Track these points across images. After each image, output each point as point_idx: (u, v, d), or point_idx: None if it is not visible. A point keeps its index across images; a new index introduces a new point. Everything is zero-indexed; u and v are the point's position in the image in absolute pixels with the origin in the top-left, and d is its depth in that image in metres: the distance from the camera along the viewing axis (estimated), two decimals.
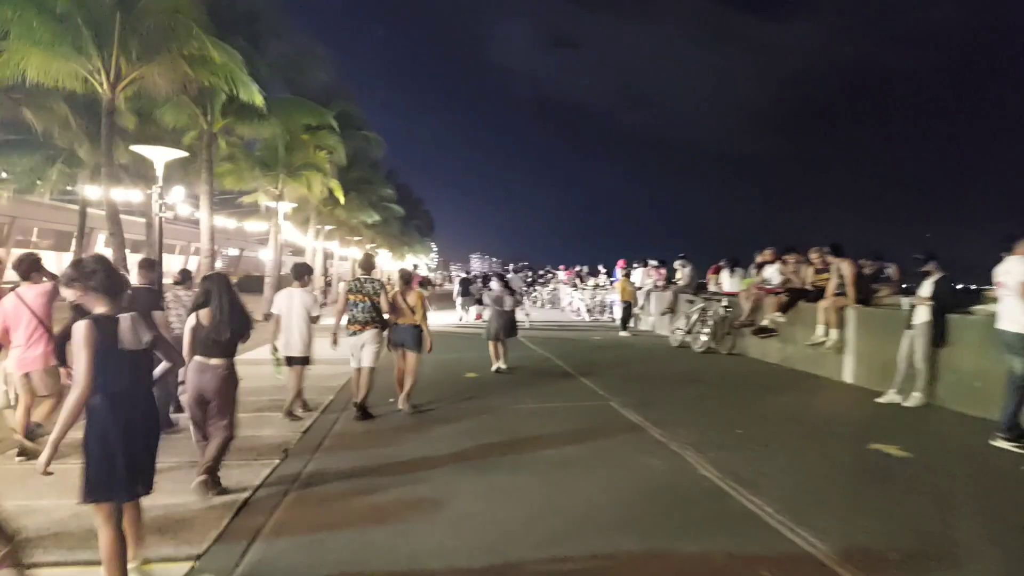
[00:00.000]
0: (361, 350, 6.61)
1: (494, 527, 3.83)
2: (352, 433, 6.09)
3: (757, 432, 6.06)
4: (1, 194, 19.19)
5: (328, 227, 30.57)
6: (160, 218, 10.67)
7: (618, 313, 16.27)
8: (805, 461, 5.21)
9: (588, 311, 19.95)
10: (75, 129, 16.43)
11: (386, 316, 6.73)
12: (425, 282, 17.13)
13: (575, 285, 23.28)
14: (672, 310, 14.28)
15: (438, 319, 17.16)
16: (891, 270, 9.88)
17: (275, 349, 6.43)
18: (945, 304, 6.92)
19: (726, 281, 12.98)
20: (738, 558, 3.40)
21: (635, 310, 16.17)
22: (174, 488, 4.18)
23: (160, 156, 10.53)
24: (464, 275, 27.82)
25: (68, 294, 2.90)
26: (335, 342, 6.77)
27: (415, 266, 39.53)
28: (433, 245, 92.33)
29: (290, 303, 6.57)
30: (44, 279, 5.22)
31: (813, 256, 9.67)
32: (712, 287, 13.60)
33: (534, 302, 25.67)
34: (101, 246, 30.69)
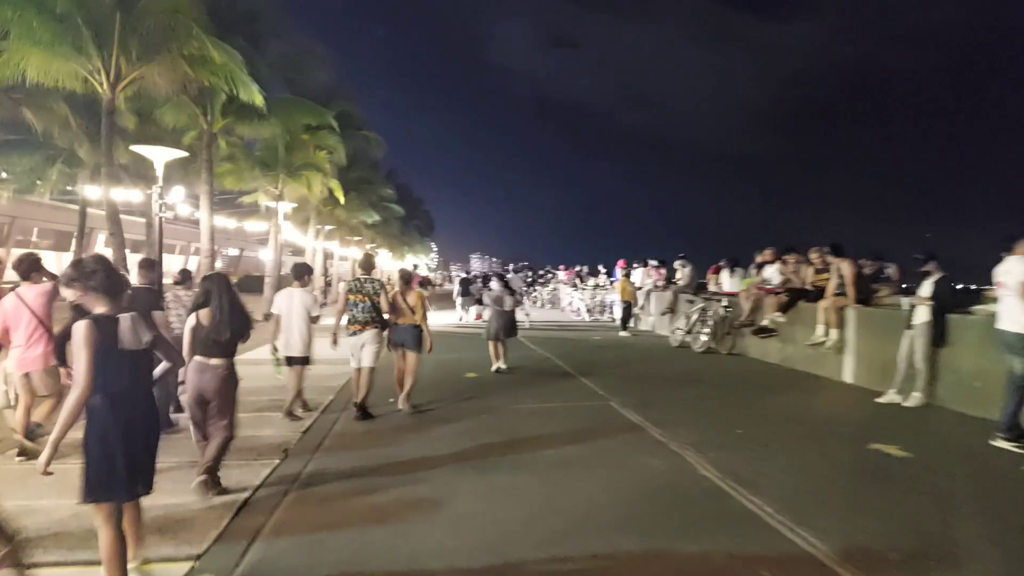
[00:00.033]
0: (361, 350, 6.61)
1: (494, 527, 3.83)
2: (352, 433, 6.09)
3: (757, 432, 6.06)
4: (1, 194, 19.20)
5: (328, 227, 30.57)
6: (160, 218, 10.68)
7: (618, 313, 16.27)
8: (805, 461, 5.21)
9: (588, 311, 19.95)
10: (75, 129, 16.43)
11: (386, 316, 6.73)
12: (425, 282, 17.13)
13: (575, 285, 23.28)
14: (672, 310, 14.28)
15: (438, 319, 17.16)
16: (891, 270, 9.88)
17: (275, 349, 6.43)
18: (945, 304, 6.92)
19: (726, 281, 12.98)
20: (738, 558, 3.41)
21: (635, 310, 16.16)
22: (174, 488, 4.18)
23: (160, 156, 10.54)
24: (464, 275, 27.79)
25: (68, 294, 2.90)
26: (335, 342, 6.77)
27: (415, 266, 39.53)
28: (433, 245, 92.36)
29: (290, 303, 6.57)
30: (44, 279, 5.22)
31: (813, 256, 9.67)
32: (712, 287, 13.60)
33: (534, 302, 25.66)
34: (101, 246, 30.69)
